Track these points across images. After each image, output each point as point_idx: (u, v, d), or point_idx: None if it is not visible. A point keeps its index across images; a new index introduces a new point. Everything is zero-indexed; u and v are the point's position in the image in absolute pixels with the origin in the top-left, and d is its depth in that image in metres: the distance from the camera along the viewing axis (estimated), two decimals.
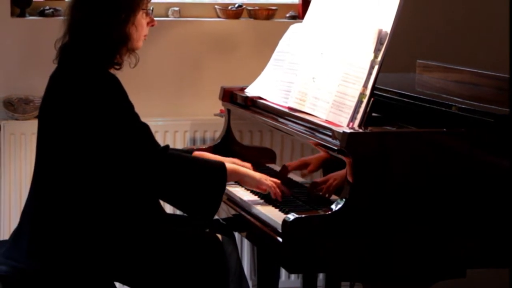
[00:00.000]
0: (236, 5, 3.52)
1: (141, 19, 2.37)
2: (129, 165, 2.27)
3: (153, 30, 2.48)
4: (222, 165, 2.37)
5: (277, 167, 2.62)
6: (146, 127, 2.32)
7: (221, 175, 2.35)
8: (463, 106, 2.29)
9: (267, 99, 2.69)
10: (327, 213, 2.11)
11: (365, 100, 2.27)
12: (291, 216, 2.11)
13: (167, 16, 3.45)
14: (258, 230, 2.29)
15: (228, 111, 2.91)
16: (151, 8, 2.41)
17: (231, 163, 2.50)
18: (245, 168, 2.46)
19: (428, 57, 3.01)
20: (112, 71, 2.34)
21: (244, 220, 2.40)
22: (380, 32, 2.31)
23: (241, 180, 2.44)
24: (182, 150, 2.66)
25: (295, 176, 2.50)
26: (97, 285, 2.27)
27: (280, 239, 2.14)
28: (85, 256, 2.25)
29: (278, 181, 2.42)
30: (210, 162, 2.40)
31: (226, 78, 3.32)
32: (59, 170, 2.28)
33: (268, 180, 2.41)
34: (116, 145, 2.26)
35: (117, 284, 2.34)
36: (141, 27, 2.37)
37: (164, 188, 2.30)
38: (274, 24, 3.49)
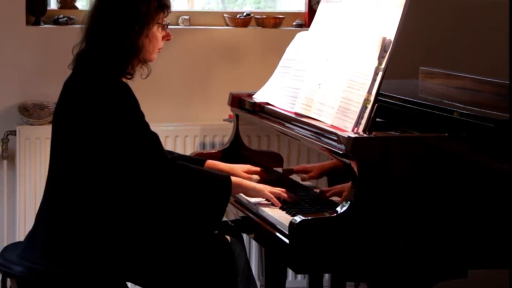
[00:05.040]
0: (245, 14, 3.54)
1: (156, 32, 2.37)
2: (137, 172, 2.28)
3: None
4: (227, 178, 2.37)
5: None
6: (155, 136, 2.32)
7: (225, 188, 2.35)
8: (465, 112, 2.30)
9: (275, 104, 2.69)
10: (333, 215, 2.12)
11: (369, 106, 2.28)
12: (298, 218, 2.11)
13: (178, 25, 3.46)
14: (265, 232, 2.31)
15: (237, 116, 2.92)
16: (167, 23, 2.40)
17: (240, 171, 2.52)
18: (250, 181, 2.46)
19: (431, 64, 2.98)
20: (124, 79, 2.35)
21: (252, 222, 2.41)
22: (384, 40, 2.33)
23: (245, 193, 2.45)
24: (191, 159, 2.65)
25: (301, 180, 2.52)
26: (110, 285, 2.30)
27: (287, 241, 2.14)
28: (98, 257, 2.27)
29: (282, 190, 2.42)
30: (216, 175, 2.39)
31: (234, 85, 3.33)
32: (72, 174, 2.30)
33: (267, 192, 2.39)
34: (125, 152, 2.27)
35: (129, 284, 2.36)
36: (155, 40, 2.36)
37: (168, 197, 2.31)
38: (281, 32, 3.50)
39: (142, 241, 2.31)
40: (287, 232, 2.15)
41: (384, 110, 2.38)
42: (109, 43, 2.32)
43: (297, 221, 2.11)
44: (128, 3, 2.33)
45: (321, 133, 2.36)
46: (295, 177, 2.55)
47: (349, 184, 2.17)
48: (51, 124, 2.42)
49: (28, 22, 3.34)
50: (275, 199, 2.39)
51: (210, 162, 2.62)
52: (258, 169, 2.60)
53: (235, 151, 2.90)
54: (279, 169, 2.68)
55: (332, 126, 2.37)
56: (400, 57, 2.39)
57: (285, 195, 2.41)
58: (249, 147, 2.88)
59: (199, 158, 2.67)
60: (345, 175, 2.20)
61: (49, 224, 2.32)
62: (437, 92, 2.82)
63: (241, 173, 2.57)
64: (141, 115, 2.32)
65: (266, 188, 2.42)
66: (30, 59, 3.31)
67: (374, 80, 2.31)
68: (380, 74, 2.31)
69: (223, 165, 2.62)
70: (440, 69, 2.92)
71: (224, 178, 2.38)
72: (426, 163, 2.18)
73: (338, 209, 2.14)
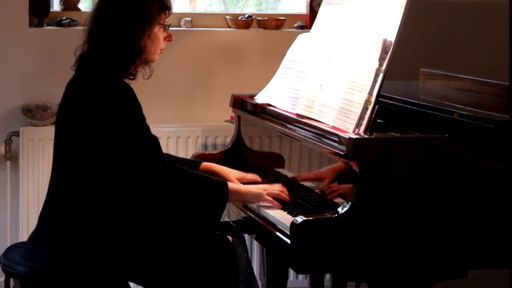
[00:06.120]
0: (246, 16, 3.54)
1: (158, 33, 2.38)
2: (136, 174, 2.29)
3: None
4: (224, 185, 2.37)
5: (285, 172, 2.64)
6: (155, 140, 2.33)
7: (222, 195, 2.35)
8: (465, 113, 2.31)
9: (276, 106, 2.71)
10: (334, 215, 2.13)
11: (370, 107, 2.29)
12: (299, 219, 2.12)
13: (180, 26, 3.46)
14: (267, 232, 2.32)
15: (239, 117, 2.93)
16: (169, 23, 2.42)
17: (233, 177, 2.51)
18: (246, 186, 2.45)
19: (431, 65, 3.00)
20: (126, 80, 2.36)
21: (254, 222, 2.41)
22: (384, 41, 2.34)
23: (243, 200, 2.45)
24: (190, 161, 2.66)
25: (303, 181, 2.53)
26: (112, 285, 2.31)
27: (288, 241, 2.15)
28: (101, 257, 2.28)
29: (279, 189, 2.42)
30: (213, 181, 2.39)
31: (236, 86, 3.34)
32: (75, 175, 2.31)
33: (265, 196, 2.40)
34: (124, 154, 2.28)
35: (131, 284, 2.37)
36: (157, 41, 2.38)
37: (166, 200, 2.32)
38: (282, 33, 3.51)
39: (144, 241, 2.32)
40: (288, 233, 2.16)
41: (385, 111, 2.39)
42: (111, 44, 2.33)
43: (299, 222, 2.12)
44: (130, 4, 2.34)
45: (322, 134, 2.37)
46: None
47: (350, 184, 2.18)
48: (54, 125, 2.43)
49: (31, 24, 3.34)
50: (275, 202, 2.40)
51: (205, 165, 2.62)
52: (252, 176, 2.59)
53: (236, 152, 2.91)
54: (281, 170, 2.69)
55: (333, 127, 2.38)
56: (400, 59, 2.40)
57: (283, 195, 2.42)
58: (250, 148, 2.89)
59: (195, 160, 2.68)
60: (347, 176, 2.21)
61: (52, 225, 2.33)
62: (437, 93, 2.83)
63: (234, 179, 2.57)
64: (142, 117, 2.33)
65: (265, 190, 2.42)
66: (33, 60, 3.31)
67: (375, 81, 2.32)
68: (381, 75, 2.32)
69: (217, 167, 2.62)
70: (440, 70, 2.93)
71: (221, 185, 2.38)
72: (427, 164, 2.19)
73: (339, 209, 2.15)
